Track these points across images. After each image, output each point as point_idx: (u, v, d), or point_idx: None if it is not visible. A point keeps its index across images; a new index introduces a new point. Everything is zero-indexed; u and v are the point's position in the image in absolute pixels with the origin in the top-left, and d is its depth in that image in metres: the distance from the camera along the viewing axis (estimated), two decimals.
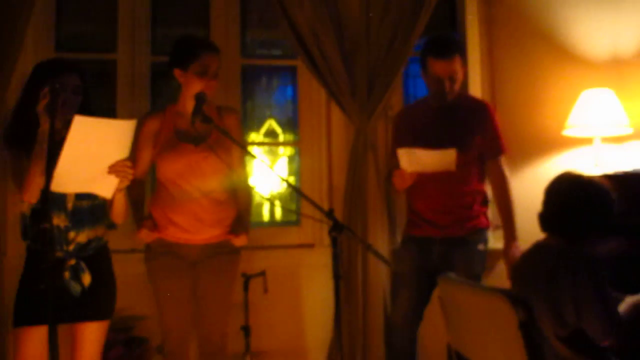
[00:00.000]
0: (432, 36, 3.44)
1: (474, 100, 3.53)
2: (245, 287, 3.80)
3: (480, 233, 3.37)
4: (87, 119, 2.32)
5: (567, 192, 2.56)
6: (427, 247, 3.34)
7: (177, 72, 3.07)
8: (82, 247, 2.64)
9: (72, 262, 2.60)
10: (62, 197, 2.58)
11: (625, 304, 2.62)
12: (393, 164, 3.45)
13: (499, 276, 3.42)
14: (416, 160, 3.17)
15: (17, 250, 3.50)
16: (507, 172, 3.39)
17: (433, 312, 3.21)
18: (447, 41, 3.31)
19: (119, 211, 2.74)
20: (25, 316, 2.54)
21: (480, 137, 3.32)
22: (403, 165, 3.21)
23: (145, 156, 3.11)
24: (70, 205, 2.61)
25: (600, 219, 2.53)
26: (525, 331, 2.14)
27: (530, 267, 2.58)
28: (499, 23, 4.07)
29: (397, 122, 3.58)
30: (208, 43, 3.14)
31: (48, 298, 2.03)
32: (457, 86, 3.31)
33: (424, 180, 3.29)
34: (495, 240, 3.65)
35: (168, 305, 3.10)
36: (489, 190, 3.47)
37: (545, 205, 2.61)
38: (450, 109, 3.34)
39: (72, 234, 2.61)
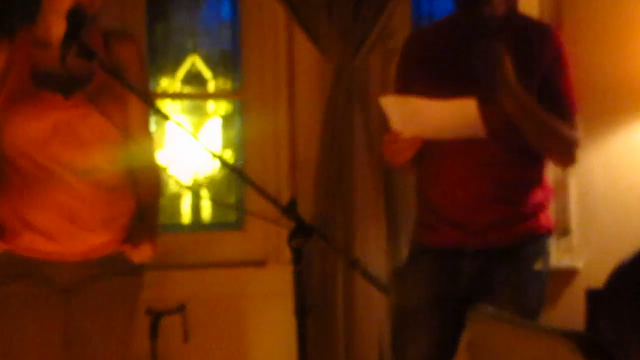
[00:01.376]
0: None
1: (530, 22, 3.54)
2: (153, 332, 3.81)
3: (537, 242, 3.40)
4: None
5: None
6: (451, 263, 3.36)
7: None
8: None
9: None
10: None
11: None
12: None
13: (568, 311, 3.44)
14: (413, 115, 3.17)
15: None
16: (580, 142, 3.40)
17: None
18: None
19: None
20: None
21: (539, 82, 3.33)
22: (394, 123, 3.21)
23: None
24: None
25: None
26: None
27: (627, 288, 2.59)
28: None
29: (404, 53, 3.57)
30: None
31: None
32: None
33: (443, 156, 3.30)
34: (562, 254, 3.68)
35: None
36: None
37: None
38: (491, 33, 3.34)
39: None
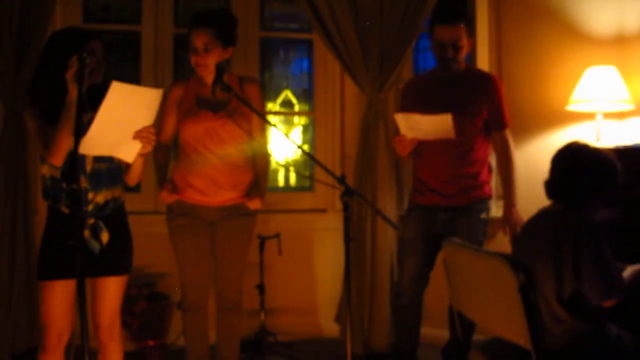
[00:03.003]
0: (439, 3, 3.40)
1: (481, 72, 3.49)
2: (261, 248, 3.85)
3: (483, 202, 3.36)
4: (124, 86, 2.31)
5: (573, 158, 2.54)
6: (432, 214, 3.34)
7: None
8: (100, 207, 2.64)
9: (92, 221, 2.61)
10: (82, 160, 2.57)
11: (627, 271, 2.61)
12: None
13: (500, 244, 3.42)
14: (413, 125, 3.14)
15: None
16: (512, 143, 3.37)
17: (438, 275, 3.22)
18: (452, 8, 3.27)
19: (135, 175, 2.73)
20: (50, 270, 2.57)
21: (486, 108, 3.30)
22: (402, 130, 3.19)
23: (170, 122, 3.12)
24: (89, 167, 2.60)
25: (603, 186, 2.51)
26: (524, 294, 2.14)
27: (534, 231, 2.58)
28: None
29: (405, 90, 3.55)
30: (197, 18, 3.04)
31: (76, 255, 2.04)
32: (461, 55, 3.25)
33: (429, 149, 3.28)
34: (497, 210, 3.65)
35: (187, 263, 3.12)
36: (492, 160, 3.45)
37: (551, 172, 2.59)
38: (457, 79, 3.31)
39: (90, 195, 2.61)
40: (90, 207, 2.61)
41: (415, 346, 3.48)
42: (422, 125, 3.12)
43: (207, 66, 3.01)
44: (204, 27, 2.98)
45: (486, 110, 3.30)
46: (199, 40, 2.98)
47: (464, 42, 3.23)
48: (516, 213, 3.30)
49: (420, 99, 3.33)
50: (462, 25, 3.21)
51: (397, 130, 3.28)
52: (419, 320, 3.48)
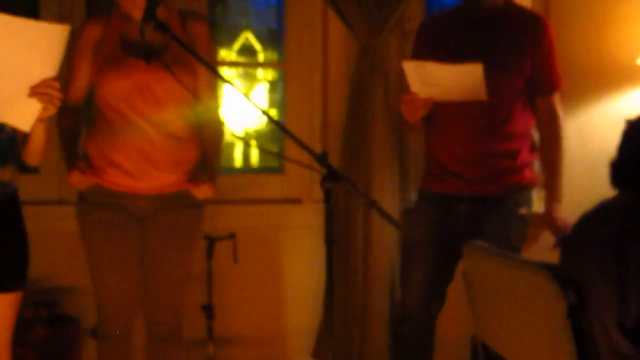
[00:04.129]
0: None
1: (525, 12, 3.51)
2: (209, 254, 3.84)
3: (522, 192, 3.40)
4: (8, 18, 2.30)
5: None
6: (450, 207, 3.37)
7: None
8: None
9: None
10: None
11: None
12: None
13: (544, 249, 3.45)
14: (429, 78, 3.15)
15: None
16: (561, 114, 3.40)
17: (455, 292, 3.24)
18: None
19: (36, 149, 2.71)
20: None
21: (530, 62, 3.32)
22: (413, 86, 3.21)
23: (83, 74, 3.10)
24: None
25: None
26: (575, 319, 2.17)
27: (590, 233, 2.60)
28: None
29: (419, 34, 3.56)
30: None
31: None
32: None
33: (449, 117, 3.30)
34: (541, 203, 3.69)
35: (107, 275, 3.13)
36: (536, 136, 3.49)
37: (621, 152, 2.61)
38: (492, 21, 3.33)
39: None
40: None
41: None
42: (441, 79, 3.14)
43: None
44: None
45: (530, 66, 3.32)
46: None
47: None
48: (561, 211, 3.35)
49: (441, 46, 3.35)
50: None
51: (404, 87, 3.29)
52: (430, 354, 3.51)
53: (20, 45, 2.37)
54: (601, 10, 3.96)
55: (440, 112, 3.30)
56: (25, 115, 2.52)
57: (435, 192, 3.43)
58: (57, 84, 2.50)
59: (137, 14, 2.94)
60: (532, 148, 3.44)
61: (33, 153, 2.73)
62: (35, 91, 2.47)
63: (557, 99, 3.41)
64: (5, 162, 2.68)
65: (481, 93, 3.10)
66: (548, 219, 3.40)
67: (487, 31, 3.32)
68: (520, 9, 3.53)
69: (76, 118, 3.17)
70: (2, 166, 2.67)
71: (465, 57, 3.15)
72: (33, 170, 2.87)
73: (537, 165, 3.50)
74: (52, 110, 2.54)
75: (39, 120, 2.56)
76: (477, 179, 3.33)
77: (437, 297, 3.44)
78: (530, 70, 3.33)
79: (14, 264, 2.72)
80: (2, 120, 2.55)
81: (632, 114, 2.66)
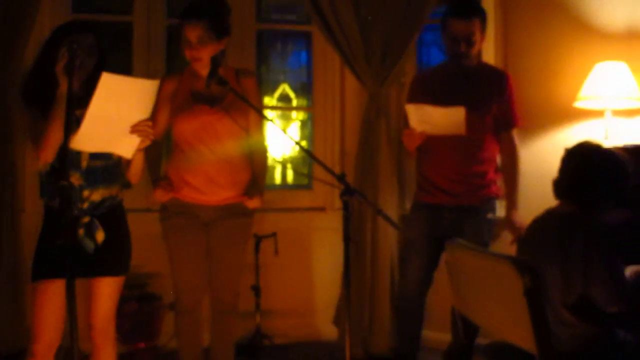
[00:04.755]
0: None
1: (493, 69, 3.52)
2: (257, 248, 3.86)
3: (490, 202, 3.39)
4: (114, 77, 2.31)
5: (584, 159, 2.55)
6: (438, 213, 3.35)
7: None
8: (95, 206, 2.65)
9: (86, 219, 2.62)
10: (76, 156, 2.58)
11: (629, 271, 2.62)
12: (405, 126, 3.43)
13: (505, 244, 3.43)
14: (424, 117, 3.15)
15: (34, 207, 3.56)
16: (518, 144, 3.40)
17: (441, 276, 3.22)
18: (468, 3, 3.31)
19: (137, 171, 2.75)
20: (43, 271, 2.58)
21: (496, 105, 3.32)
22: (412, 122, 3.21)
23: (162, 116, 3.10)
24: (84, 164, 2.62)
25: (615, 188, 2.52)
26: (530, 297, 2.15)
27: (540, 232, 2.59)
28: None
29: (413, 84, 3.56)
30: (188, 11, 3.01)
31: (65, 254, 2.05)
32: (474, 50, 3.28)
33: (437, 146, 3.29)
34: (504, 210, 3.66)
35: (181, 264, 3.12)
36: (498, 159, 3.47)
37: (561, 172, 2.60)
38: (469, 74, 3.32)
39: (86, 193, 2.62)
40: (85, 205, 2.62)
41: (415, 350, 3.50)
42: (433, 118, 3.14)
43: (201, 59, 3.00)
44: (196, 19, 2.97)
45: (496, 108, 3.32)
46: (193, 33, 2.98)
47: (478, 37, 3.25)
48: (518, 216, 3.33)
49: (430, 92, 3.34)
50: (476, 20, 3.24)
51: (405, 123, 3.30)
52: (421, 323, 3.49)
53: (125, 96, 2.39)
54: (547, 65, 3.94)
55: (431, 143, 3.29)
56: (128, 146, 2.55)
57: (425, 202, 3.42)
58: (150, 124, 2.53)
59: (204, 72, 2.96)
60: (497, 169, 3.43)
61: (134, 174, 2.76)
62: (135, 129, 2.50)
63: (515, 133, 3.40)
64: (113, 181, 2.71)
65: (462, 129, 3.10)
66: (508, 223, 3.37)
67: (466, 82, 3.31)
68: (490, 67, 3.55)
69: (158, 149, 3.17)
70: (113, 183, 2.70)
71: (450, 100, 3.16)
72: (129, 187, 2.88)
73: (499, 181, 3.49)
74: (147, 143, 2.57)
75: (139, 150, 2.59)
76: (458, 193, 3.32)
77: (427, 280, 3.42)
78: (496, 111, 3.32)
79: (121, 255, 2.75)
80: (112, 151, 2.59)
81: (570, 144, 2.65)
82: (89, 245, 2.60)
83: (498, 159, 3.46)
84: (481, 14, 3.29)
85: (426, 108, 3.13)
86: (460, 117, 3.06)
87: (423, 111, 3.14)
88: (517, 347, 2.30)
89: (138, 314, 3.76)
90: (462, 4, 3.29)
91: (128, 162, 2.69)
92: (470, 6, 3.30)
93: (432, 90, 3.35)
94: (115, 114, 2.41)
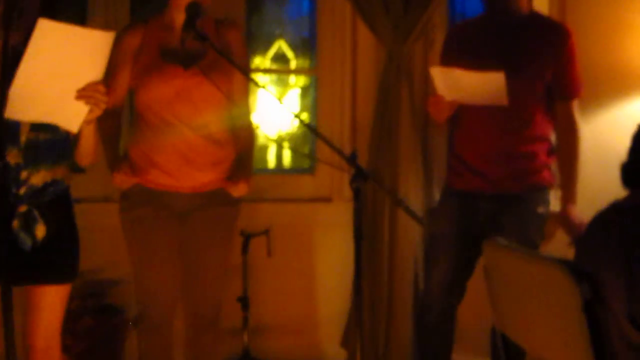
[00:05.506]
0: None
1: (549, 22, 3.49)
2: (244, 248, 3.87)
3: (541, 191, 3.39)
4: (54, 24, 2.29)
5: None
6: (472, 204, 3.37)
7: None
8: (36, 192, 2.64)
9: (23, 208, 2.61)
10: (14, 127, 2.56)
11: None
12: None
13: (561, 246, 3.43)
14: (454, 84, 3.16)
15: None
16: (579, 119, 3.38)
17: (476, 285, 3.23)
18: None
19: (87, 149, 2.73)
20: None
21: (551, 69, 3.30)
22: (439, 89, 3.22)
23: (122, 79, 3.10)
24: (23, 137, 2.59)
25: None
26: (590, 312, 2.15)
27: (602, 231, 2.58)
28: None
29: (448, 39, 3.57)
30: None
31: None
32: None
33: (473, 119, 3.29)
34: (557, 202, 3.65)
35: (148, 268, 3.14)
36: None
37: (631, 154, 2.60)
38: (519, 28, 3.31)
39: (24, 174, 2.60)
40: (22, 190, 2.61)
41: None
42: (465, 85, 3.15)
43: None
44: None
45: (551, 72, 3.31)
46: None
47: None
48: (576, 211, 3.33)
49: (468, 51, 3.35)
50: None
51: (429, 91, 3.29)
52: (450, 342, 3.51)
53: (68, 51, 2.37)
54: (616, 19, 3.93)
55: (465, 114, 3.30)
56: (73, 117, 2.53)
57: (457, 189, 3.43)
58: (102, 88, 2.51)
59: (178, 22, 2.96)
60: (550, 151, 3.42)
61: (83, 154, 2.74)
62: (82, 94, 2.47)
63: (575, 105, 3.39)
64: (59, 161, 2.70)
65: (503, 99, 3.10)
66: (564, 219, 3.37)
67: (511, 39, 3.30)
68: (544, 18, 3.51)
69: (116, 121, 3.17)
70: (57, 165, 2.69)
71: (489, 63, 3.15)
72: (80, 170, 2.88)
73: (554, 166, 3.48)
74: (97, 112, 2.55)
75: (87, 122, 2.57)
76: (498, 178, 3.32)
77: (457, 289, 3.44)
78: (552, 77, 3.31)
79: (66, 258, 2.75)
80: (52, 121, 2.56)
81: None
82: (26, 241, 2.60)
83: (553, 139, 3.45)
84: None
85: (455, 72, 3.14)
86: (500, 85, 3.06)
87: (452, 76, 3.14)
88: None
89: (94, 331, 3.77)
90: None
91: (76, 138, 2.68)
92: None
93: (470, 47, 3.36)
94: (56, 73, 2.39)
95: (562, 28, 3.41)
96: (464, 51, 3.37)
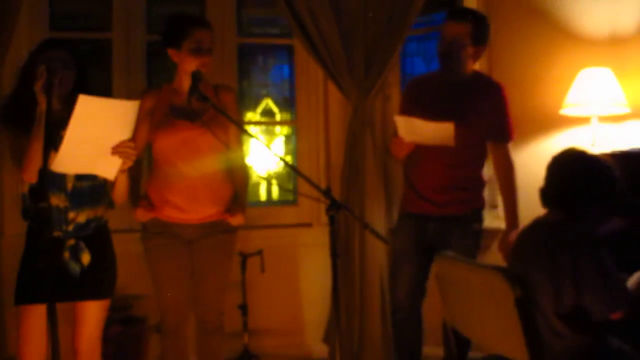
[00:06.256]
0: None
1: (487, 80, 3.49)
2: (243, 266, 3.85)
3: (476, 213, 3.40)
4: (91, 99, 2.32)
5: (570, 166, 2.56)
6: (423, 223, 3.36)
7: (170, 52, 3.06)
8: (81, 227, 2.65)
9: (71, 242, 2.61)
10: (61, 178, 2.59)
11: (633, 278, 2.63)
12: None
13: (495, 255, 3.43)
14: (413, 129, 3.15)
15: (15, 229, 3.52)
16: (512, 158, 3.40)
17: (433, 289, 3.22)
18: (465, 9, 3.35)
19: (121, 191, 2.76)
20: (26, 294, 2.57)
21: (490, 119, 3.32)
22: (401, 133, 3.21)
23: (141, 134, 3.07)
24: (70, 185, 2.62)
25: (603, 195, 2.53)
26: (521, 308, 2.15)
27: (529, 243, 2.59)
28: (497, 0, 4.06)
29: (407, 90, 3.57)
30: (199, 19, 3.14)
31: (46, 277, 2.04)
32: (463, 58, 3.26)
33: (425, 156, 3.29)
34: (491, 220, 3.67)
35: (165, 285, 3.10)
36: (486, 171, 3.48)
37: (547, 180, 2.61)
38: (464, 86, 3.32)
39: (71, 215, 2.63)
40: (70, 227, 2.61)
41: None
42: (422, 131, 3.14)
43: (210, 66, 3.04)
44: (208, 27, 3.07)
45: (489, 121, 3.32)
46: (206, 37, 3.03)
47: (466, 42, 3.23)
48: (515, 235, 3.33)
49: (422, 101, 3.35)
50: (467, 24, 3.23)
51: (394, 132, 3.30)
52: (420, 336, 3.47)
53: (103, 118, 2.40)
54: (531, 72, 3.97)
55: (417, 153, 3.30)
56: (110, 168, 2.55)
57: (410, 212, 3.43)
58: (132, 144, 2.54)
59: (185, 87, 2.97)
60: (482, 180, 3.44)
61: (118, 195, 2.77)
62: (117, 150, 2.50)
63: (510, 147, 3.41)
64: (99, 202, 2.71)
65: (450, 142, 3.10)
66: (505, 242, 3.34)
67: (458, 95, 3.31)
68: (484, 77, 3.51)
69: (138, 167, 3.15)
70: (98, 205, 2.70)
71: (441, 111, 3.16)
72: (111, 207, 2.87)
73: (486, 192, 3.49)
74: (129, 163, 2.58)
75: (121, 171, 2.58)
76: (443, 203, 3.32)
77: (419, 290, 3.42)
78: (490, 124, 3.32)
79: (106, 278, 2.74)
80: (93, 172, 2.58)
81: (556, 152, 2.66)
82: (75, 268, 2.60)
83: (485, 170, 3.46)
84: (475, 22, 3.28)
85: (415, 121, 3.13)
86: (450, 132, 3.06)
87: (412, 123, 3.14)
88: None
89: (122, 337, 3.72)
90: (458, 8, 3.33)
91: (112, 183, 2.69)
92: (466, 11, 3.36)
93: (424, 99, 3.36)
94: (95, 136, 2.41)
95: (497, 85, 3.41)
96: (419, 102, 3.36)
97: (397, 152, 3.31)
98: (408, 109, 3.35)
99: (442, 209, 3.32)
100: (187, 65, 3.01)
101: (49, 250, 2.16)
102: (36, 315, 2.54)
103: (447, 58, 3.27)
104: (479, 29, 3.29)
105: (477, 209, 3.40)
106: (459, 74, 3.31)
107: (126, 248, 3.37)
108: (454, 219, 3.32)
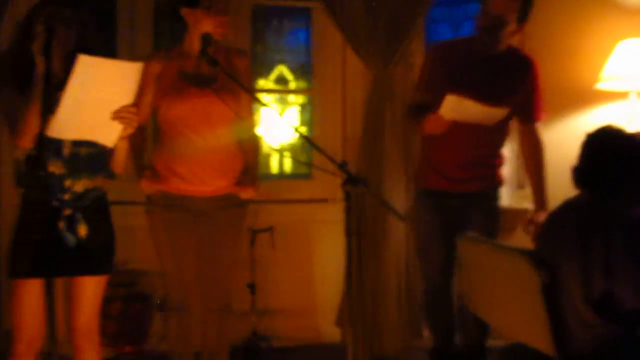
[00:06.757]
0: None
1: (520, 56, 3.43)
2: (252, 243, 3.86)
3: (495, 190, 3.45)
4: (92, 59, 2.30)
5: (604, 145, 2.53)
6: (444, 201, 3.38)
7: (185, 11, 3.03)
8: (78, 197, 2.64)
9: (68, 212, 2.61)
10: (58, 143, 2.57)
11: None
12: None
13: (521, 238, 3.42)
14: (461, 110, 3.11)
15: (9, 199, 3.53)
16: (540, 136, 3.38)
17: None
18: None
19: (120, 160, 2.74)
20: (21, 268, 2.57)
21: (521, 98, 3.29)
22: (444, 110, 3.14)
23: (147, 100, 3.07)
24: (67, 151, 2.60)
25: (636, 175, 2.50)
26: (547, 295, 2.14)
27: (558, 225, 2.57)
28: None
29: (433, 57, 3.49)
30: None
31: (43, 249, 2.04)
32: (504, 33, 3.20)
33: (454, 132, 3.25)
34: (518, 200, 3.64)
35: (170, 260, 3.12)
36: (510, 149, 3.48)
37: (580, 159, 2.59)
38: (495, 60, 3.27)
39: (68, 182, 2.61)
40: (67, 196, 2.60)
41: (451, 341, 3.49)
42: (470, 111, 3.12)
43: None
44: None
45: (520, 100, 3.30)
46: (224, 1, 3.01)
47: (512, 19, 3.17)
48: (544, 216, 3.31)
49: (451, 76, 3.29)
50: (518, 0, 3.17)
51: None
52: (453, 316, 3.47)
53: (104, 80, 2.38)
54: (566, 44, 3.93)
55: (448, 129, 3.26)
56: (109, 134, 2.54)
57: (431, 188, 3.43)
58: (134, 109, 2.51)
59: (195, 51, 2.95)
60: (502, 157, 3.46)
61: (118, 164, 2.74)
62: (117, 115, 2.48)
63: (538, 126, 3.39)
64: (97, 171, 2.70)
65: (491, 123, 3.16)
66: (533, 224, 3.33)
67: (493, 71, 3.27)
68: (517, 53, 3.45)
69: (142, 135, 3.15)
70: (97, 173, 2.69)
71: (470, 86, 3.13)
72: (112, 178, 2.87)
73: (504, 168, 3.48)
74: (130, 130, 2.56)
75: (121, 138, 2.58)
76: (465, 179, 3.35)
77: (449, 271, 3.39)
78: (519, 102, 3.30)
79: (104, 252, 2.73)
80: (91, 139, 2.57)
81: (591, 129, 2.63)
82: (71, 240, 2.59)
83: (508, 148, 3.46)
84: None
85: (467, 102, 3.08)
86: (497, 116, 3.11)
87: (462, 104, 3.10)
88: (533, 350, 2.29)
89: (124, 314, 3.75)
90: None
91: (111, 151, 2.68)
92: None
93: (453, 71, 3.31)
94: (95, 99, 2.39)
95: (530, 61, 3.38)
96: (448, 73, 3.32)
97: (433, 129, 3.25)
98: (437, 79, 3.32)
99: (462, 185, 3.34)
100: (201, 26, 2.98)
101: (45, 220, 2.15)
102: (31, 289, 2.54)
103: (488, 33, 3.21)
104: (527, 6, 3.23)
105: (496, 185, 3.44)
106: (494, 48, 3.26)
107: (129, 221, 3.39)
108: (473, 195, 3.36)
